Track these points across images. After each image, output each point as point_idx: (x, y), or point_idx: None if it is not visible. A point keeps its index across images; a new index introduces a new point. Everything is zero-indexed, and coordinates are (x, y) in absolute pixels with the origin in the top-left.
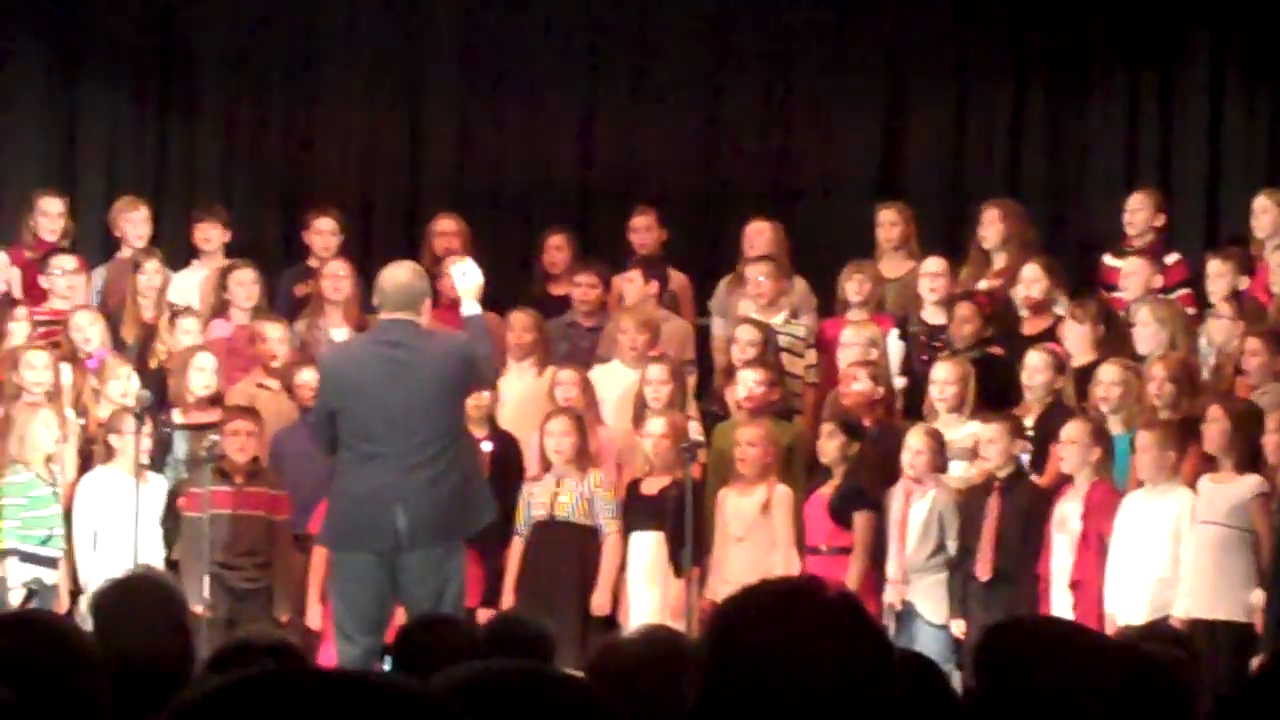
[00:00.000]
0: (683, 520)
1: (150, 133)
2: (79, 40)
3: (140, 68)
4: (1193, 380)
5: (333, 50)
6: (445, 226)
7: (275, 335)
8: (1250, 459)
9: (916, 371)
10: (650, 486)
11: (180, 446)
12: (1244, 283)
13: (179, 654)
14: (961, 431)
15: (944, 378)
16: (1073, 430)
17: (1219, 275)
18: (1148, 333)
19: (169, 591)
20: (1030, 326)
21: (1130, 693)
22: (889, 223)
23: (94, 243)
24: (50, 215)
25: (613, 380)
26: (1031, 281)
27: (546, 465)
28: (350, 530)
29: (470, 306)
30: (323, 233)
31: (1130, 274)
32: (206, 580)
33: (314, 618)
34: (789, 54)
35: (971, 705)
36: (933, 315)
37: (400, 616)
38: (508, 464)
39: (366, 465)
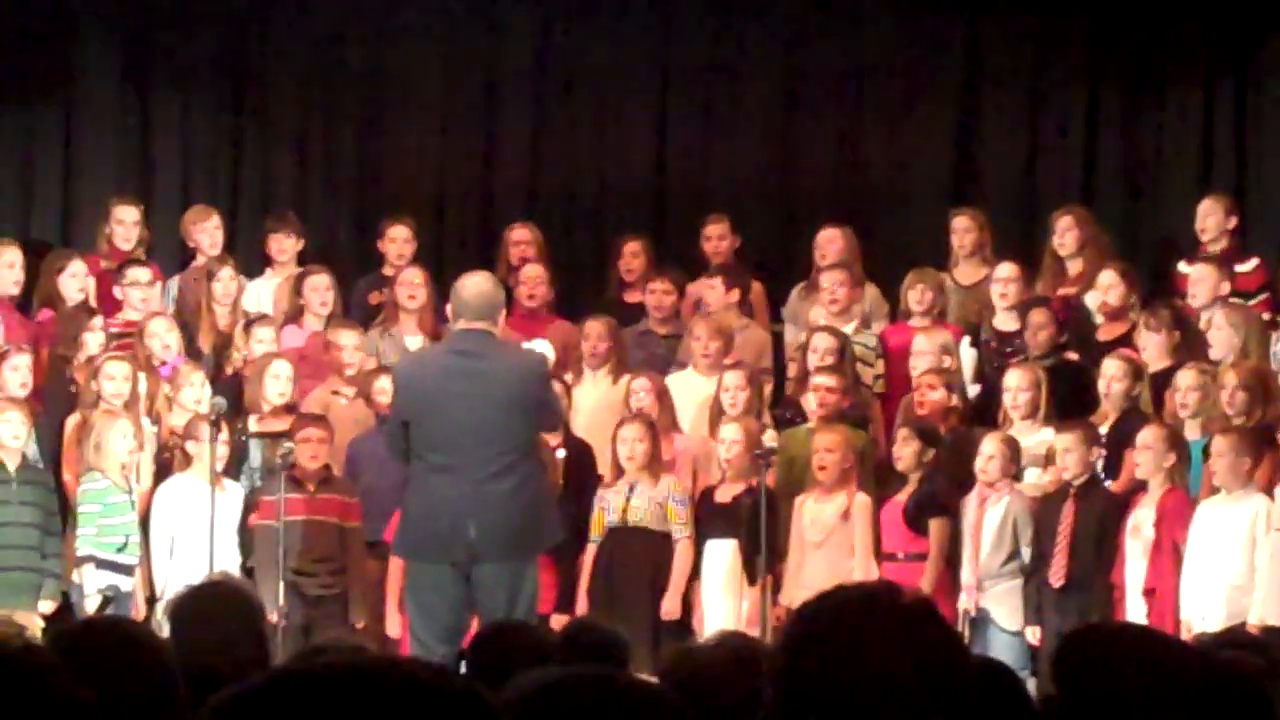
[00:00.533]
0: (757, 527)
1: (224, 142)
2: (153, 51)
3: (214, 77)
4: (1266, 387)
5: (407, 58)
6: (520, 235)
7: (350, 343)
8: None
9: (989, 379)
10: (724, 494)
11: (256, 454)
12: None
13: (255, 661)
14: (1036, 438)
15: (1017, 384)
16: (1147, 436)
17: None
18: (1221, 337)
19: (245, 598)
20: (1106, 332)
21: (1209, 699)
22: (963, 229)
23: (169, 252)
24: (126, 223)
25: (687, 387)
26: (1108, 288)
27: (619, 472)
28: (423, 541)
29: None
30: (397, 241)
31: (1198, 281)
32: (281, 587)
33: (392, 626)
34: (862, 60)
35: (1048, 712)
36: (1003, 322)
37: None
38: (582, 471)
39: (438, 476)
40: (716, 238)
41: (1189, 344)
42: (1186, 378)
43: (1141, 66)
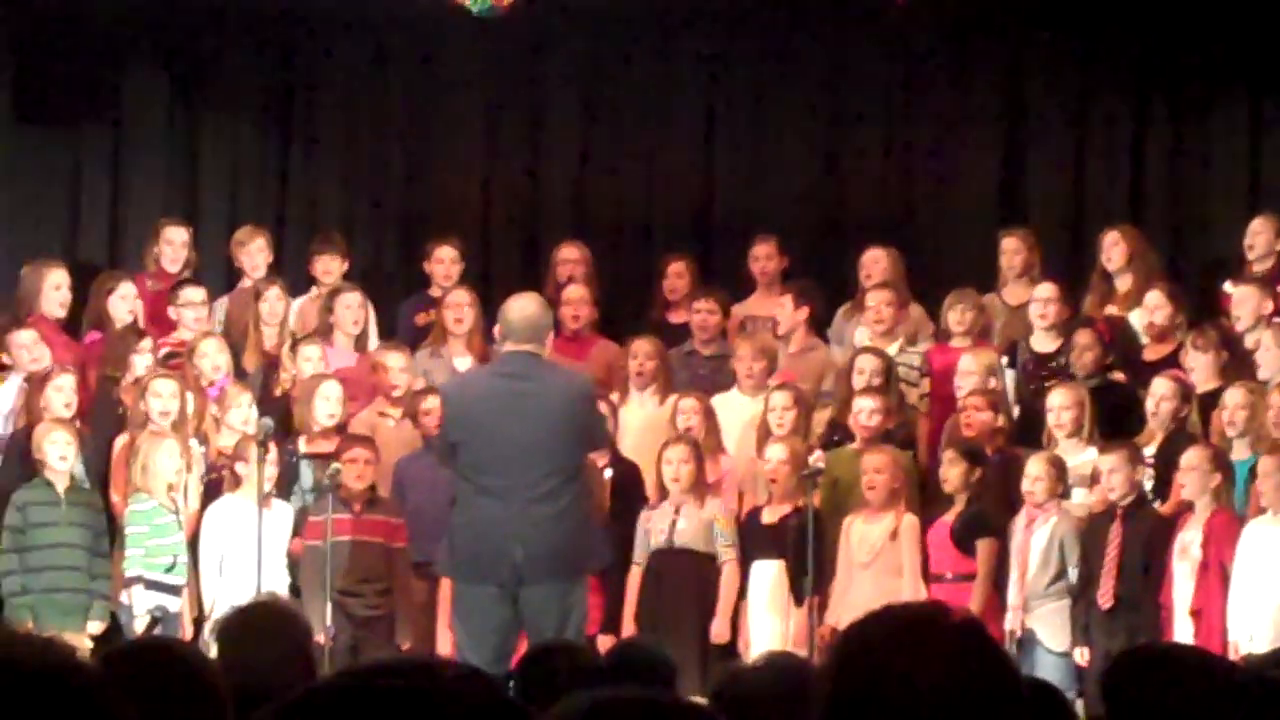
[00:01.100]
0: (803, 548)
1: (271, 164)
2: (200, 72)
3: (261, 99)
4: None
5: (453, 79)
6: (568, 254)
7: (397, 365)
8: None
9: (1026, 400)
10: (771, 515)
11: (307, 475)
12: None
13: (302, 681)
14: (1080, 458)
15: (1060, 404)
16: (1193, 457)
17: None
18: (1269, 358)
19: (293, 618)
20: (1153, 352)
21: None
22: (1012, 250)
23: (216, 273)
24: (175, 244)
25: (732, 407)
26: (1155, 308)
27: (664, 493)
28: (470, 562)
29: None
30: (444, 262)
31: (1241, 301)
32: (329, 608)
33: (444, 645)
34: (908, 80)
35: None
36: (1041, 342)
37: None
38: (629, 491)
39: (485, 498)
40: (764, 257)
41: (1236, 364)
42: (1234, 396)
43: (1188, 85)
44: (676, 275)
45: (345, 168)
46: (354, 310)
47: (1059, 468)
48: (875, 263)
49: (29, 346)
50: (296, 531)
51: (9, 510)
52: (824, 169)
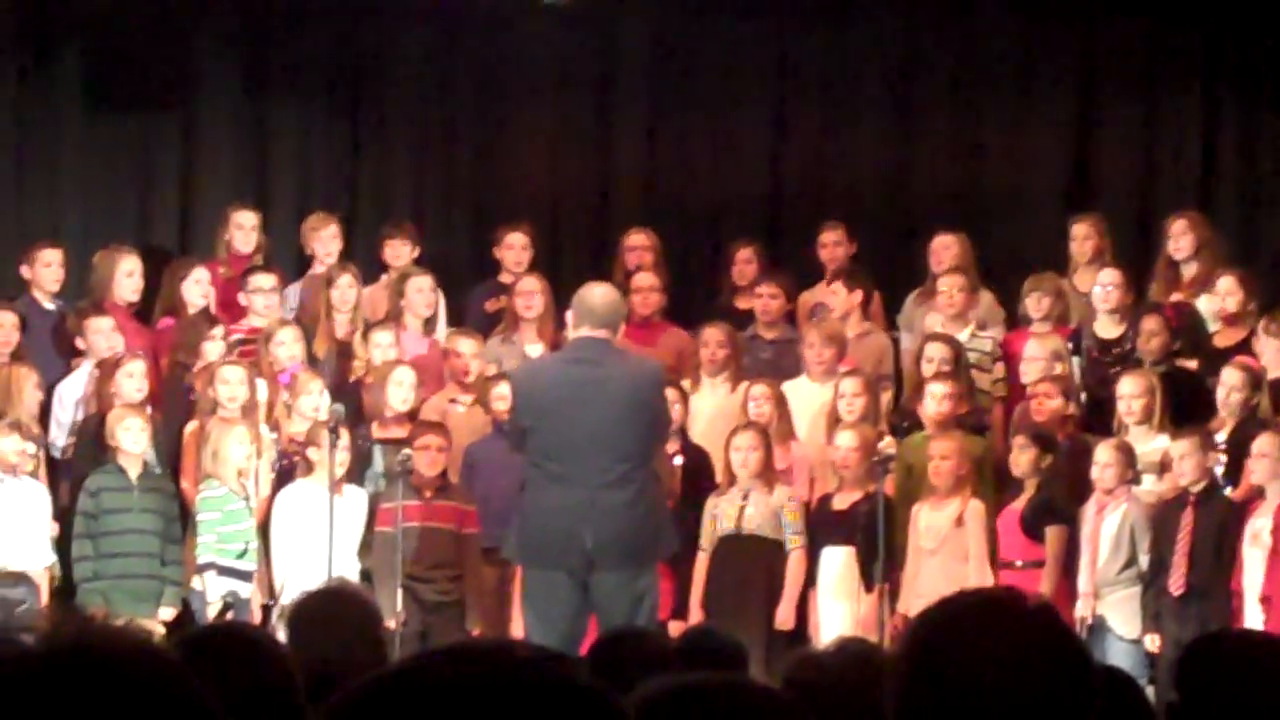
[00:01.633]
0: (874, 534)
1: (341, 150)
2: (270, 58)
3: (331, 85)
4: None
5: (522, 65)
6: (637, 240)
7: (468, 350)
8: None
9: (1089, 385)
10: (841, 501)
11: (379, 460)
12: None
13: (373, 666)
14: (1151, 445)
15: (1130, 391)
16: (1264, 443)
17: None
18: None
19: (363, 604)
20: (1223, 339)
21: None
22: (1082, 236)
23: (287, 260)
24: (245, 228)
25: (802, 394)
26: (1227, 294)
27: (732, 479)
28: (540, 548)
29: None
30: (514, 248)
31: None
32: (399, 593)
33: (517, 631)
34: (977, 66)
35: None
36: (1105, 328)
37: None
38: (699, 477)
39: (555, 484)
40: (832, 244)
41: None
42: None
43: (1258, 72)
44: (745, 261)
45: (415, 154)
46: (425, 293)
47: (1128, 454)
48: (946, 248)
49: (106, 333)
50: (372, 515)
51: (82, 495)
52: (893, 155)
